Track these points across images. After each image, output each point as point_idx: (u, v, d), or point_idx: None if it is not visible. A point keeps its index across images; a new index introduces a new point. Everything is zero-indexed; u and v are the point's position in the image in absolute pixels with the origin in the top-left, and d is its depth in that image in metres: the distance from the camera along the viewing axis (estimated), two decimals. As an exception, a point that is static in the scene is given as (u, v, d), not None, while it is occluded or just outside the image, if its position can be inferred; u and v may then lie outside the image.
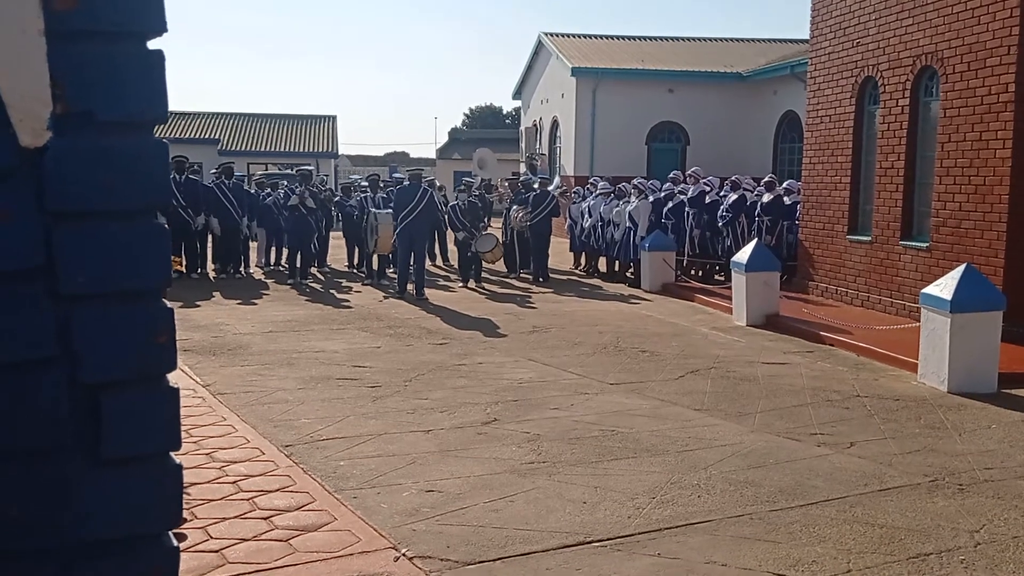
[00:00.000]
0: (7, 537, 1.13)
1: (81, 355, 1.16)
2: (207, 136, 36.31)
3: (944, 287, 7.83)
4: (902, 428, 6.58)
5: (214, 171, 16.52)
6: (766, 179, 15.08)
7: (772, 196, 14.31)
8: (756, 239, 12.54)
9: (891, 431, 6.49)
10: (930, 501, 5.07)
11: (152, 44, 1.17)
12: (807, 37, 13.77)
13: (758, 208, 14.28)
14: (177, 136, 33.68)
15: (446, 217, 16.60)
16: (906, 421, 6.78)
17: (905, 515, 4.85)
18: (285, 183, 15.74)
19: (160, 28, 1.16)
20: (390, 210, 14.05)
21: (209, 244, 15.79)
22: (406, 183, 13.71)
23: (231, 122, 39.12)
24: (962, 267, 7.99)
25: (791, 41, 27.11)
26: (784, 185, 14.90)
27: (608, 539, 4.45)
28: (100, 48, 1.13)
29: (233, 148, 35.58)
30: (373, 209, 14.78)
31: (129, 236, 1.18)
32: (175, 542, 1.26)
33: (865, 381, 8.10)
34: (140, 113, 1.16)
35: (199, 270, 15.32)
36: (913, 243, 11.05)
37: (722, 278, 14.27)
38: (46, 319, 1.13)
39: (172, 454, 1.26)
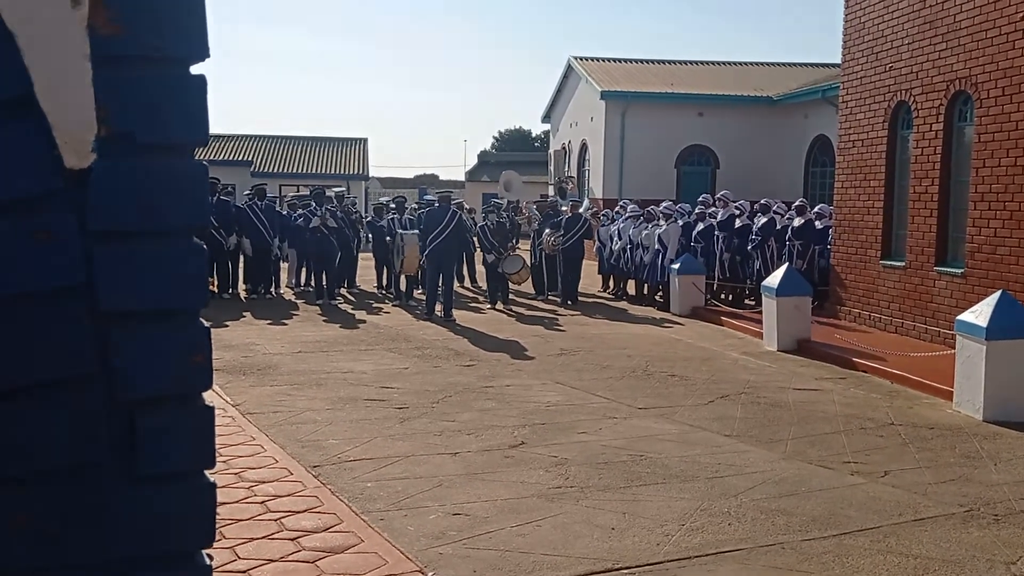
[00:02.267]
0: (45, 554, 1.14)
1: (119, 373, 1.17)
2: (240, 158, 36.76)
3: (979, 314, 7.71)
4: (937, 457, 6.47)
5: (247, 192, 16.71)
6: (797, 203, 14.99)
7: (803, 220, 14.21)
8: (787, 263, 12.45)
9: (926, 460, 6.39)
10: (965, 532, 4.97)
11: (194, 69, 1.20)
12: (838, 61, 13.72)
13: (789, 232, 14.18)
14: (210, 158, 34.15)
15: (475, 238, 16.67)
16: (941, 450, 6.66)
17: (940, 546, 4.76)
18: (313, 206, 15.88)
19: (203, 53, 1.18)
20: (416, 231, 14.13)
21: (240, 264, 15.96)
22: (436, 205, 13.79)
23: (263, 144, 39.58)
24: (997, 294, 7.88)
25: (821, 65, 27.03)
26: (815, 209, 14.79)
27: (637, 566, 4.40)
28: (143, 72, 1.15)
29: (265, 170, 35.96)
30: (399, 230, 14.88)
31: (168, 256, 1.20)
32: (208, 560, 1.26)
33: (899, 409, 7.99)
34: (181, 136, 1.18)
35: (230, 290, 15.47)
36: (948, 269, 10.91)
37: (752, 302, 14.16)
38: (86, 337, 1.15)
39: (205, 472, 1.27)
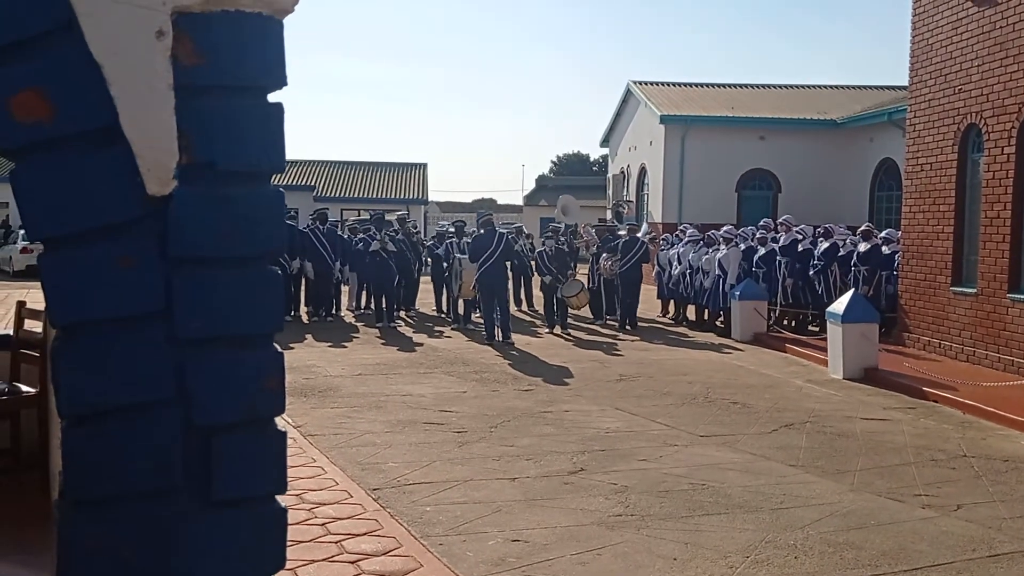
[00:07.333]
0: (121, 576, 1.15)
1: (195, 398, 1.19)
2: (304, 183, 37.47)
3: (1057, 343, 7.44)
4: (1012, 491, 6.23)
5: (310, 215, 17.01)
6: (863, 228, 14.67)
7: (869, 245, 13.90)
8: (853, 289, 12.17)
9: (1000, 494, 6.15)
10: (1046, 571, 4.76)
11: (271, 97, 1.21)
12: (904, 84, 13.45)
13: (855, 257, 13.89)
14: (275, 183, 34.78)
15: (533, 263, 16.71)
16: (1016, 483, 6.41)
17: (1019, 585, 4.56)
18: (372, 231, 16.09)
19: (280, 82, 1.20)
20: (472, 256, 14.24)
21: (303, 287, 16.20)
22: (480, 231, 13.85)
23: (327, 169, 40.31)
24: (1077, 322, 7.59)
25: (887, 88, 26.52)
26: (883, 234, 14.45)
27: (699, 597, 4.30)
28: (224, 101, 1.17)
29: (328, 194, 36.59)
30: (458, 255, 14.97)
31: (244, 282, 1.21)
32: (276, 585, 1.26)
33: (972, 440, 7.72)
34: (259, 163, 1.20)
35: (292, 313, 15.71)
36: (1021, 296, 10.55)
37: (817, 329, 13.87)
38: (164, 362, 1.17)
39: (277, 497, 1.27)
